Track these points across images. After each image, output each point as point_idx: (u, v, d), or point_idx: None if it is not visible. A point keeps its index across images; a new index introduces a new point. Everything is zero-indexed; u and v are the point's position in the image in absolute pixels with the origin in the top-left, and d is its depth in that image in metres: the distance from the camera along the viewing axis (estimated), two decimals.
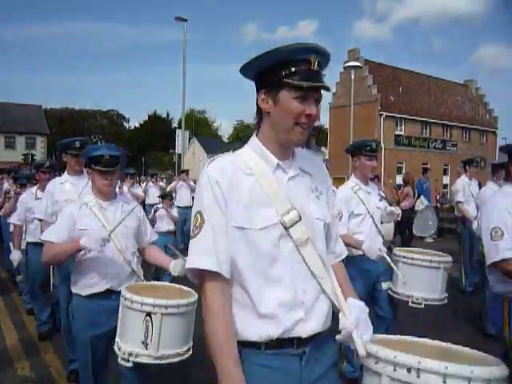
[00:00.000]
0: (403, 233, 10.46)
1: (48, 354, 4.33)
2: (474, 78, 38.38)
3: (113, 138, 59.02)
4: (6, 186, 8.47)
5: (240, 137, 44.58)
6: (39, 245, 3.89)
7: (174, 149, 21.56)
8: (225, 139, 65.74)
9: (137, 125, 66.54)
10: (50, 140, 46.60)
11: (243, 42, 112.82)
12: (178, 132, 20.58)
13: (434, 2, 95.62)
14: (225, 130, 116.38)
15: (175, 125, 57.50)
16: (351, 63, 20.01)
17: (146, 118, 65.26)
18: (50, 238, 2.68)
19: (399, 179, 10.92)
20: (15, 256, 4.80)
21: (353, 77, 19.42)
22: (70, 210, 2.77)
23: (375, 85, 30.26)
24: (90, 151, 2.82)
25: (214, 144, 49.95)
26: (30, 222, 4.84)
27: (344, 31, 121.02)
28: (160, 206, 7.46)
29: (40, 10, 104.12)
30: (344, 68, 27.48)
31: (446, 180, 31.11)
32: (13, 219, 5.26)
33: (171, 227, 7.27)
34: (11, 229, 6.23)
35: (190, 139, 37.06)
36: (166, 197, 7.79)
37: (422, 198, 11.13)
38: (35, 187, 5.06)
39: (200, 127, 62.61)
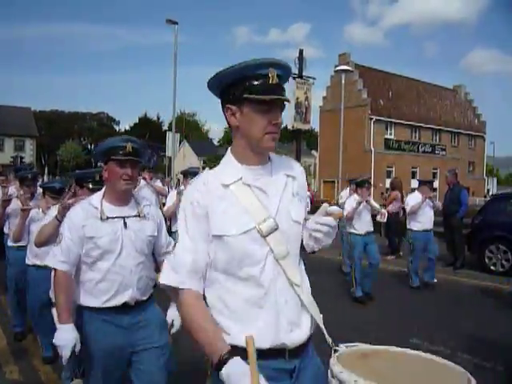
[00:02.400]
0: (390, 235, 10.55)
1: (36, 358, 4.29)
2: (462, 83, 38.92)
3: (103, 140, 58.31)
4: (11, 190, 6.52)
5: (231, 140, 44.58)
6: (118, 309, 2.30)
7: (165, 151, 21.49)
8: (215, 142, 65.71)
9: (127, 127, 66.30)
10: (39, 142, 46.25)
11: (235, 45, 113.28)
12: (169, 135, 20.52)
13: (424, 7, 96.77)
14: (215, 133, 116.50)
15: (165, 127, 57.33)
16: (342, 67, 20.08)
17: (137, 121, 65.06)
18: None
19: (388, 183, 11.03)
20: (66, 338, 2.10)
21: (343, 81, 19.52)
22: None
23: (365, 89, 30.50)
24: None
25: (204, 147, 49.92)
26: (91, 264, 2.32)
27: (335, 35, 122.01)
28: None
29: (31, 11, 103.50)
30: (335, 72, 27.65)
31: (435, 184, 31.40)
32: (53, 259, 2.30)
33: None
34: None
35: (180, 142, 36.96)
36: None
37: None
38: (99, 194, 2.42)
39: (190, 130, 62.54)
